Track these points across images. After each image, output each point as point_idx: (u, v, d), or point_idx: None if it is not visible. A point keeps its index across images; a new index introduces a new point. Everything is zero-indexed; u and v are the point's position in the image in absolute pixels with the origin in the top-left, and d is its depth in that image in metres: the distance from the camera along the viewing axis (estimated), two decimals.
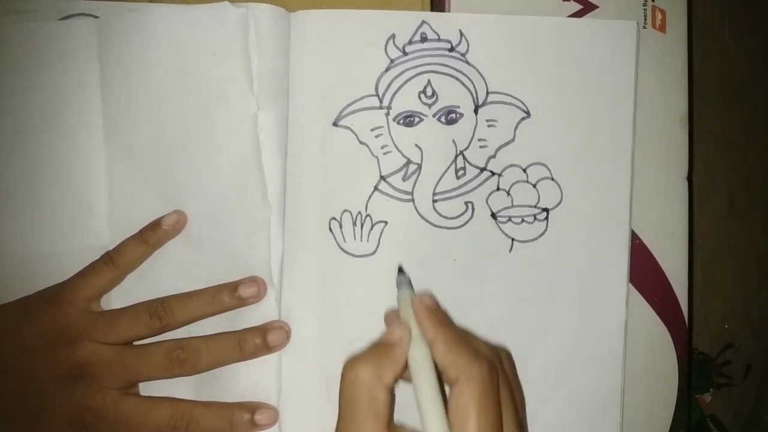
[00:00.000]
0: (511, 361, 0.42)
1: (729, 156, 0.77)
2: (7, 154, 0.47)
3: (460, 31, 0.48)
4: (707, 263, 0.77)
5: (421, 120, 0.48)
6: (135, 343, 0.44)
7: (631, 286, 0.49)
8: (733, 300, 0.80)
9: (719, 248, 0.78)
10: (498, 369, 0.37)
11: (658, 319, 0.50)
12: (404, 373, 0.39)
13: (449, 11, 0.49)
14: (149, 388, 0.45)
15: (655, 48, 0.50)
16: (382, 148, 0.48)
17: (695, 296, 0.70)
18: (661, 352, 0.50)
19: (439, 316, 0.39)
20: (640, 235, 0.50)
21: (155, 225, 0.46)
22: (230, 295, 0.45)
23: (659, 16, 0.50)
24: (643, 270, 0.50)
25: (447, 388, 0.37)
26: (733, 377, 0.81)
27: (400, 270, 0.44)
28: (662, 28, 0.51)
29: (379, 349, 0.38)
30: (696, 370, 0.79)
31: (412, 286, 0.42)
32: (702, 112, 0.75)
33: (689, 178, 0.51)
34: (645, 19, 0.50)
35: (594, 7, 0.50)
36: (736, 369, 0.81)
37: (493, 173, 0.48)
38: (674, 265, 0.51)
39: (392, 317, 0.40)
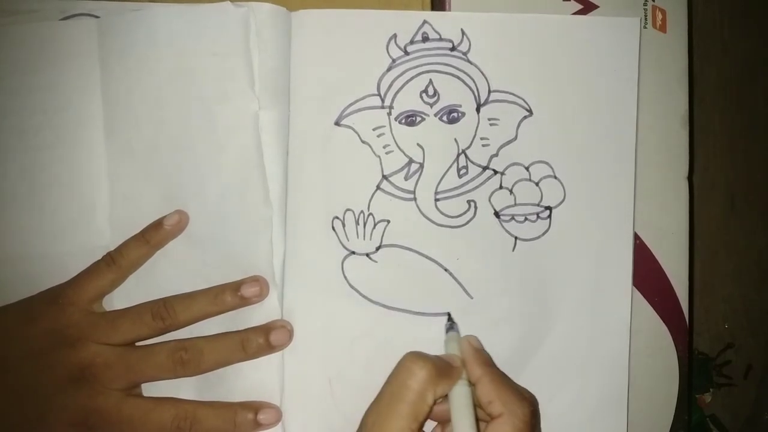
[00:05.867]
0: (538, 414, 0.45)
1: (729, 156, 0.77)
2: (8, 155, 0.47)
3: (462, 30, 0.48)
4: (707, 263, 0.77)
5: (423, 119, 0.48)
6: (138, 343, 0.44)
7: (632, 286, 0.49)
8: (733, 300, 0.80)
9: (719, 248, 0.78)
10: (537, 416, 0.41)
11: (658, 319, 0.50)
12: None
13: (449, 10, 0.49)
14: (152, 389, 0.45)
15: (656, 48, 0.50)
16: (384, 147, 0.48)
17: (695, 296, 0.70)
18: (661, 352, 0.50)
19: (485, 356, 0.43)
20: (640, 235, 0.50)
21: (157, 225, 0.46)
22: (232, 294, 0.45)
23: (659, 16, 0.50)
24: (644, 270, 0.50)
25: None
26: (733, 377, 0.82)
27: (450, 317, 0.47)
28: (662, 28, 0.51)
29: (441, 362, 0.41)
30: (696, 370, 0.79)
31: (459, 332, 0.46)
32: (702, 112, 0.75)
33: (689, 178, 0.51)
34: (645, 19, 0.50)
35: (594, 6, 0.50)
36: (736, 369, 0.81)
37: (495, 172, 0.48)
38: (674, 265, 0.51)
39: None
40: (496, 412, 0.40)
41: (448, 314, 0.47)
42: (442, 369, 0.40)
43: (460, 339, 0.44)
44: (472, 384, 0.42)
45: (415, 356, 0.40)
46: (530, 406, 0.40)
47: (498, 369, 0.43)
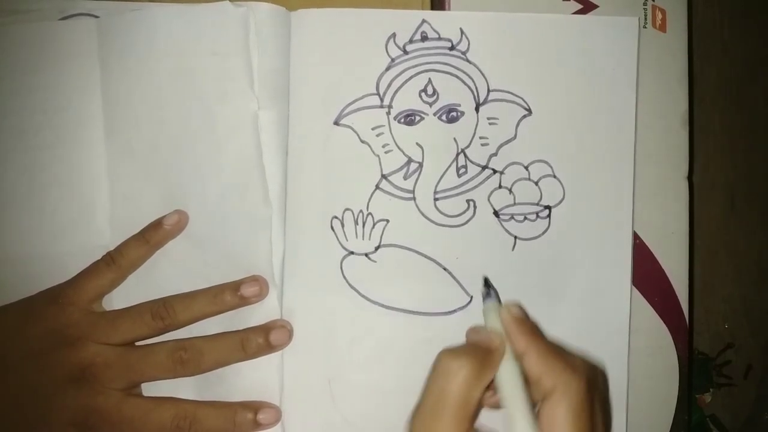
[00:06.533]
0: (605, 380, 0.42)
1: (729, 156, 0.77)
2: (8, 154, 0.47)
3: (461, 29, 0.48)
4: (707, 263, 0.77)
5: (422, 119, 0.48)
6: (137, 343, 0.44)
7: (631, 285, 0.49)
8: (733, 300, 0.80)
9: (719, 248, 0.78)
10: (595, 385, 0.36)
11: (658, 319, 0.50)
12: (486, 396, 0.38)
13: (449, 9, 0.49)
14: (152, 389, 0.45)
15: (655, 48, 0.50)
16: (384, 146, 0.48)
17: (695, 296, 0.70)
18: (661, 352, 0.50)
19: (529, 325, 0.38)
20: (640, 235, 0.50)
21: (157, 225, 0.46)
22: (232, 294, 0.45)
23: (659, 16, 0.50)
24: (644, 270, 0.50)
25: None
26: (733, 377, 0.81)
27: (486, 282, 0.43)
28: (662, 28, 0.51)
29: (479, 352, 0.37)
30: (696, 370, 0.79)
31: (499, 298, 0.41)
32: (702, 112, 0.75)
33: (689, 178, 0.51)
34: (645, 19, 0.50)
35: (594, 6, 0.50)
36: (736, 369, 0.81)
37: (494, 171, 0.48)
38: (674, 265, 0.50)
39: (475, 331, 0.40)
40: (547, 387, 0.35)
41: (485, 279, 0.43)
42: (482, 360, 0.36)
43: (501, 309, 0.39)
44: (518, 358, 0.37)
45: (451, 356, 0.36)
46: (584, 376, 0.35)
47: (544, 338, 0.38)
